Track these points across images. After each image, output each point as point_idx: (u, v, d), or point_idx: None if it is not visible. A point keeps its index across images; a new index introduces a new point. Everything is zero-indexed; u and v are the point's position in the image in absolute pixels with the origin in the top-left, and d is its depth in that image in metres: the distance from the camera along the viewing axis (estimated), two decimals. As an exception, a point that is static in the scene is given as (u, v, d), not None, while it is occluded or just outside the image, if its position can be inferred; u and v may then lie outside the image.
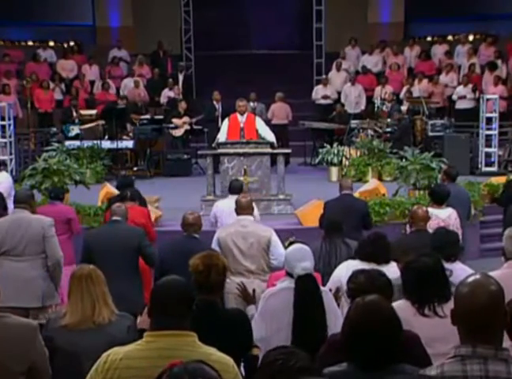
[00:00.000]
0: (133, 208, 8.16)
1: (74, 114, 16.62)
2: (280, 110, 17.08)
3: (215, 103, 16.09)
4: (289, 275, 4.93)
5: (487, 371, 2.62)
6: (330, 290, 5.23)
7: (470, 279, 2.75)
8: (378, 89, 17.84)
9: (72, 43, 21.24)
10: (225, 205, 8.20)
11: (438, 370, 2.70)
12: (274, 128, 12.01)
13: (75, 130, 15.75)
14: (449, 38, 20.49)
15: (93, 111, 17.02)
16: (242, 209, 7.12)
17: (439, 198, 7.94)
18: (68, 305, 4.45)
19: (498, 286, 2.72)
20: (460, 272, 4.93)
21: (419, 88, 17.56)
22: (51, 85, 18.38)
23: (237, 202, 7.21)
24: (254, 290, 5.59)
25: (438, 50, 19.55)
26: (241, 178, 10.17)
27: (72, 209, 8.99)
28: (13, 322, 3.70)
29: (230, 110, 12.84)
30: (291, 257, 4.96)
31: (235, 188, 8.45)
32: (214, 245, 6.81)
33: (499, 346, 2.68)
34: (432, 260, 4.30)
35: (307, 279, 4.78)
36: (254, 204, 8.50)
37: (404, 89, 17.64)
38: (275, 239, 6.91)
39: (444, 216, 7.68)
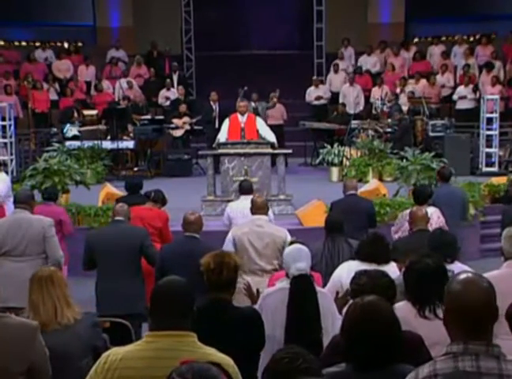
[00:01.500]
0: (152, 211, 8.12)
1: (76, 114, 16.60)
2: (275, 111, 17.06)
3: (212, 103, 16.09)
4: (287, 275, 4.95)
5: (479, 367, 2.64)
6: (337, 292, 5.22)
7: (461, 277, 2.77)
8: (374, 90, 17.83)
9: (72, 44, 21.21)
10: (239, 206, 8.18)
11: (430, 368, 2.72)
12: (270, 129, 11.98)
13: (73, 131, 15.72)
14: (450, 38, 20.47)
15: (94, 112, 17.02)
16: (257, 209, 7.14)
17: (421, 198, 8.00)
18: (29, 309, 4.36)
19: (489, 283, 2.75)
20: (460, 273, 4.93)
21: (414, 87, 17.55)
22: (45, 86, 18.37)
23: (252, 202, 7.23)
24: (257, 290, 5.59)
25: (435, 51, 19.53)
26: (241, 179, 10.16)
27: (63, 210, 8.88)
28: (13, 322, 3.70)
29: (228, 111, 12.82)
30: (288, 257, 4.98)
31: (244, 188, 8.43)
32: (229, 244, 6.81)
33: (490, 342, 2.70)
34: (434, 261, 4.30)
35: (301, 280, 4.79)
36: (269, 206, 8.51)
37: (398, 90, 17.63)
38: (289, 240, 6.92)
39: None
